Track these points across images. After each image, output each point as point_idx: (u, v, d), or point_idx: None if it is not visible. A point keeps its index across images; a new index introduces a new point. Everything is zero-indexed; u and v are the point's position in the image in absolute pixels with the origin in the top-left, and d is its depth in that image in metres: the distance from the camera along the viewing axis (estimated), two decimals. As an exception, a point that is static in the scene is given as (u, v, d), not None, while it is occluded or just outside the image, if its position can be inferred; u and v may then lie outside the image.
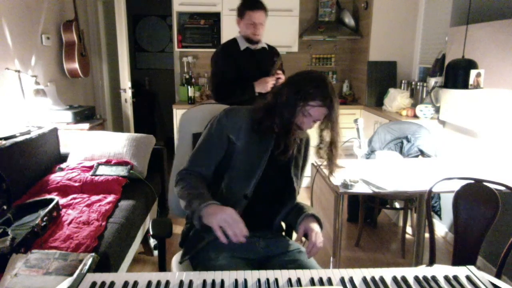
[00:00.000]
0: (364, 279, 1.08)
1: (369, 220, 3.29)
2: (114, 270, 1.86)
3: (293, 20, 4.04)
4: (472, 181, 1.72)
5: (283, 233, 1.61)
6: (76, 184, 2.37)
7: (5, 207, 1.96)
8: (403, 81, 3.86)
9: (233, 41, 2.61)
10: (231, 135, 1.42)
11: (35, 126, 2.70)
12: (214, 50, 4.21)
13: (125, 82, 3.87)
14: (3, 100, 2.66)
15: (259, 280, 1.07)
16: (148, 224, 2.58)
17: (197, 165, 1.44)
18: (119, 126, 4.58)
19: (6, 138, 2.31)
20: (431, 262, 1.74)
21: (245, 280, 1.07)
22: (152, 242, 2.74)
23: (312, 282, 1.07)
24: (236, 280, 1.07)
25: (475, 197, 1.69)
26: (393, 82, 3.99)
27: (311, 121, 1.39)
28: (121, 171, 2.53)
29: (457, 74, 2.28)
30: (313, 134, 1.52)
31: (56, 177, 2.42)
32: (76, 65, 3.43)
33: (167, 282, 1.05)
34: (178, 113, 3.94)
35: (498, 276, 1.53)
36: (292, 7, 4.01)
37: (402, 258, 2.79)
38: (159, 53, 6.00)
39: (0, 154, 2.14)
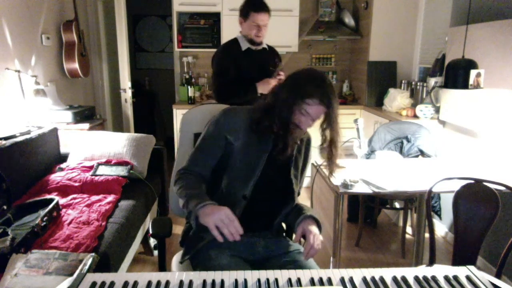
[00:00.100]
0: (364, 279, 1.08)
1: (369, 220, 3.29)
2: (114, 270, 1.86)
3: (293, 20, 4.04)
4: (472, 181, 1.72)
5: (284, 234, 1.61)
6: (76, 184, 2.37)
7: (5, 207, 1.96)
8: (403, 81, 3.86)
9: (234, 41, 2.60)
10: (228, 136, 1.42)
11: (35, 126, 2.70)
12: (214, 50, 4.19)
13: (125, 82, 3.87)
14: (3, 100, 2.66)
15: (259, 280, 1.07)
16: (148, 224, 2.58)
17: (195, 164, 1.44)
18: (119, 126, 4.58)
19: (6, 138, 2.31)
20: (431, 262, 1.74)
21: (245, 280, 1.07)
22: (152, 242, 2.74)
23: (312, 282, 1.07)
24: (236, 280, 1.07)
25: (475, 197, 1.69)
26: (393, 82, 3.99)
27: (310, 120, 1.38)
28: (121, 171, 2.53)
29: (457, 74, 2.28)
30: (315, 134, 1.51)
31: (56, 177, 2.42)
32: (76, 65, 3.43)
33: (167, 282, 1.05)
34: (178, 113, 3.94)
35: (498, 276, 1.53)
36: (292, 7, 4.01)
37: (402, 258, 2.79)
38: (159, 53, 6.00)
39: (0, 154, 2.14)
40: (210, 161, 1.44)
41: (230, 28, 3.95)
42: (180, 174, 1.44)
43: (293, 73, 1.42)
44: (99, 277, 1.06)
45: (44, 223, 1.85)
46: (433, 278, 1.10)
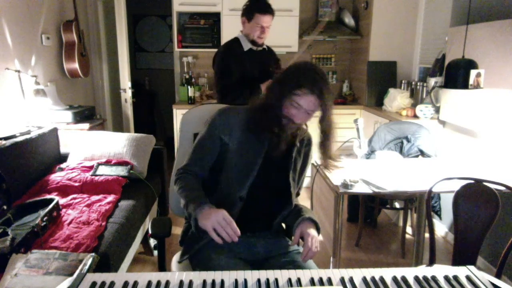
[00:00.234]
0: (364, 279, 1.08)
1: (369, 220, 3.29)
2: (114, 270, 1.86)
3: (293, 20, 4.04)
4: (472, 181, 1.72)
5: (283, 234, 1.60)
6: (76, 184, 2.37)
7: (5, 207, 1.96)
8: (403, 81, 3.86)
9: (236, 41, 2.59)
10: (223, 136, 1.41)
11: (35, 126, 2.70)
12: (214, 50, 4.19)
13: (125, 82, 3.87)
14: (3, 100, 2.66)
15: (259, 280, 1.07)
16: (148, 224, 2.58)
17: (193, 164, 1.44)
18: (119, 126, 4.58)
19: (6, 138, 2.31)
20: (431, 262, 1.74)
21: (245, 280, 1.07)
22: (152, 242, 2.74)
23: (312, 282, 1.07)
24: (236, 280, 1.07)
25: (475, 197, 1.69)
26: (393, 82, 3.99)
27: (303, 113, 1.33)
28: (121, 171, 2.53)
29: (457, 74, 2.28)
30: (315, 134, 1.49)
31: (56, 177, 2.42)
32: (76, 65, 3.43)
33: (167, 282, 1.05)
34: (178, 113, 3.94)
35: (498, 276, 1.53)
36: (292, 7, 4.01)
37: (402, 258, 2.79)
38: (159, 53, 6.00)
39: (0, 154, 2.14)
40: (207, 161, 1.44)
41: (230, 28, 3.94)
42: (179, 174, 1.44)
43: (288, 66, 1.41)
44: (99, 277, 1.06)
45: (44, 223, 1.85)
46: (433, 278, 1.10)
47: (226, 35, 3.98)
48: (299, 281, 1.07)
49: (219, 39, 4.08)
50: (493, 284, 1.07)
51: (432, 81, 3.25)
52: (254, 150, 1.41)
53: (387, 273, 1.11)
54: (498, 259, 1.59)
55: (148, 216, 2.60)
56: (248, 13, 2.48)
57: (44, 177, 2.44)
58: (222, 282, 1.06)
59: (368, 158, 2.88)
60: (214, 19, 4.10)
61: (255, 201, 1.42)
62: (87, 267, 1.58)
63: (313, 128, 1.48)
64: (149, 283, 1.05)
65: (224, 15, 3.98)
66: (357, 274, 1.10)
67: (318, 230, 1.40)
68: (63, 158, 2.76)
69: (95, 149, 2.72)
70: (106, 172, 2.51)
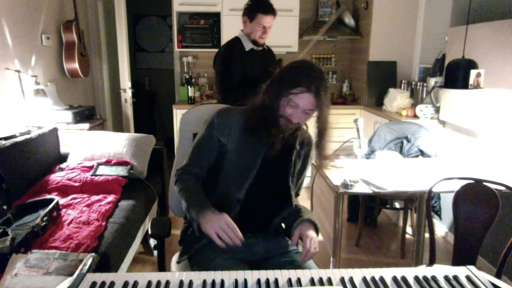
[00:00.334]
0: (364, 279, 1.08)
1: (369, 220, 3.29)
2: (114, 270, 1.86)
3: (293, 20, 4.04)
4: (472, 181, 1.72)
5: (283, 233, 1.60)
6: (76, 184, 2.37)
7: (5, 207, 1.96)
8: (403, 81, 3.86)
9: (237, 41, 2.57)
10: (221, 137, 1.40)
11: (35, 126, 2.70)
12: (214, 50, 4.18)
13: (125, 82, 3.88)
14: (3, 100, 2.66)
15: (259, 280, 1.07)
16: (148, 224, 2.58)
17: (192, 165, 1.44)
18: (119, 126, 4.58)
19: (6, 138, 2.31)
20: (431, 262, 1.73)
21: (245, 280, 1.07)
22: (152, 242, 2.74)
23: (312, 282, 1.07)
24: (236, 280, 1.07)
25: (475, 197, 1.69)
26: (393, 82, 3.99)
27: (300, 112, 1.31)
28: (121, 171, 2.53)
29: (457, 74, 2.28)
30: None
31: (56, 177, 2.42)
32: (76, 65, 3.43)
33: (167, 282, 1.05)
34: (178, 113, 3.94)
35: (498, 276, 1.53)
36: (292, 7, 4.01)
37: (402, 258, 2.79)
38: (159, 53, 6.01)
39: (0, 154, 2.14)
40: (206, 162, 1.44)
41: (230, 28, 3.94)
42: (179, 175, 1.44)
43: (284, 66, 1.40)
44: (99, 277, 1.06)
45: (44, 223, 1.85)
46: (433, 278, 1.10)
47: (226, 35, 3.98)
48: (299, 281, 1.07)
49: (219, 39, 4.08)
50: (493, 284, 1.07)
51: (432, 81, 3.25)
52: (252, 151, 1.40)
53: (387, 273, 1.11)
54: (498, 259, 1.59)
55: (148, 216, 2.60)
56: (250, 13, 2.47)
57: (44, 177, 2.44)
58: (222, 282, 1.06)
59: (368, 158, 2.88)
60: (214, 19, 4.10)
61: (253, 203, 1.41)
62: (87, 267, 1.58)
63: (312, 128, 1.47)
64: (149, 283, 1.05)
65: (224, 15, 3.99)
66: (357, 274, 1.10)
67: (317, 231, 1.39)
68: (63, 158, 2.76)
69: (95, 149, 2.72)
70: (106, 172, 2.51)
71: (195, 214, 1.29)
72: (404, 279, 1.09)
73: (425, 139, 2.88)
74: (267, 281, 1.07)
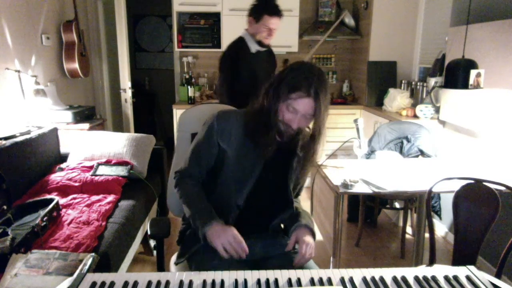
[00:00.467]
0: (364, 279, 1.08)
1: (369, 220, 3.29)
2: (114, 270, 1.86)
3: (293, 20, 4.04)
4: (472, 181, 1.72)
5: (282, 233, 1.58)
6: (76, 184, 2.37)
7: (5, 207, 1.96)
8: (403, 81, 3.86)
9: (242, 41, 2.52)
10: (221, 142, 1.37)
11: (35, 126, 2.70)
12: (214, 50, 4.19)
13: (125, 82, 3.88)
14: (3, 100, 2.66)
15: (259, 280, 1.07)
16: (148, 224, 2.58)
17: (191, 169, 1.43)
18: (119, 126, 4.58)
19: (6, 138, 2.31)
20: (431, 262, 1.74)
21: (245, 280, 1.07)
22: (152, 242, 2.74)
23: (312, 282, 1.07)
24: (236, 280, 1.07)
25: (475, 197, 1.69)
26: (393, 82, 3.99)
27: (300, 117, 1.27)
28: (121, 171, 2.53)
29: (457, 74, 2.28)
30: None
31: (56, 177, 2.42)
32: (76, 65, 3.43)
33: (167, 282, 1.05)
34: (178, 113, 3.94)
35: (498, 276, 1.53)
36: (292, 7, 4.01)
37: (402, 258, 2.79)
38: (159, 53, 6.01)
39: (0, 154, 2.14)
40: (205, 166, 1.42)
41: (230, 28, 3.95)
42: (178, 179, 1.43)
43: (283, 69, 1.35)
44: (99, 277, 1.06)
45: (44, 223, 1.85)
46: (433, 278, 1.10)
47: (226, 35, 3.98)
48: (299, 281, 1.07)
49: (219, 39, 4.08)
50: (493, 284, 1.07)
51: (432, 81, 3.25)
52: (252, 158, 1.36)
53: (387, 273, 1.11)
54: (498, 259, 1.59)
55: (148, 216, 2.60)
56: (256, 14, 2.43)
57: (44, 177, 2.44)
58: (222, 282, 1.06)
59: (368, 158, 2.88)
60: (214, 19, 4.10)
61: (253, 208, 1.40)
62: (87, 267, 1.58)
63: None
64: (149, 283, 1.05)
65: (224, 15, 3.99)
66: (357, 274, 1.10)
67: (313, 237, 1.38)
68: (63, 158, 2.76)
69: (95, 149, 2.72)
70: (106, 172, 2.51)
71: (201, 224, 1.28)
72: (404, 279, 1.09)
73: (425, 139, 2.88)
74: (267, 281, 1.07)
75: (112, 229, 1.99)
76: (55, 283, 1.50)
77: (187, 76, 4.33)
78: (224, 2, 3.96)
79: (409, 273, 1.12)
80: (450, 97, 2.96)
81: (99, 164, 2.57)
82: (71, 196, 2.27)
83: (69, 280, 1.05)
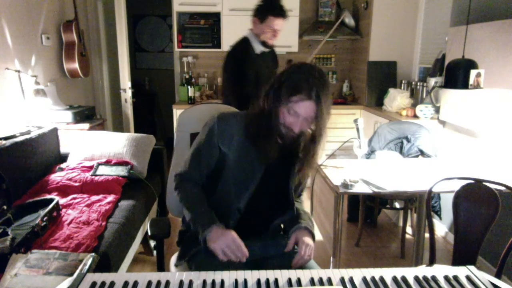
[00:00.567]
0: (364, 279, 1.08)
1: (369, 220, 3.29)
2: (114, 270, 1.86)
3: (293, 20, 4.04)
4: (472, 181, 1.72)
5: (282, 233, 1.57)
6: (76, 184, 2.37)
7: (5, 207, 1.96)
8: (403, 81, 3.86)
9: (246, 42, 2.50)
10: (221, 145, 1.35)
11: (35, 126, 2.70)
12: (214, 50, 4.19)
13: (125, 82, 3.88)
14: (3, 100, 2.66)
15: (259, 280, 1.07)
16: (148, 224, 2.58)
17: (191, 172, 1.40)
18: (119, 126, 4.58)
19: (6, 138, 2.31)
20: (431, 262, 1.74)
21: (245, 280, 1.07)
22: (152, 242, 2.74)
23: (312, 282, 1.07)
24: (236, 280, 1.07)
25: (475, 197, 1.69)
26: (393, 82, 3.99)
27: (302, 120, 1.24)
28: (121, 171, 2.53)
29: (457, 74, 2.28)
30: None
31: (56, 177, 2.42)
32: (76, 65, 3.43)
33: (167, 282, 1.05)
34: (178, 113, 3.94)
35: (498, 276, 1.53)
36: (292, 7, 4.00)
37: (402, 258, 2.79)
38: (159, 53, 6.01)
39: (0, 154, 2.14)
40: (205, 169, 1.40)
41: (230, 28, 3.95)
42: (178, 182, 1.41)
43: (283, 70, 1.31)
44: (99, 277, 1.06)
45: (44, 223, 1.85)
46: (433, 278, 1.10)
47: (226, 35, 3.98)
48: (299, 281, 1.07)
49: (219, 39, 4.08)
50: (493, 284, 1.07)
51: (432, 81, 3.25)
52: (253, 161, 1.34)
53: (387, 273, 1.11)
54: (498, 259, 1.59)
55: (148, 216, 2.60)
56: (261, 14, 2.41)
57: (44, 177, 2.44)
58: (222, 282, 1.06)
59: (368, 158, 2.88)
60: (214, 19, 4.10)
61: (253, 211, 1.39)
62: (87, 267, 1.59)
63: None
64: (149, 283, 1.05)
65: (224, 15, 3.99)
66: (357, 274, 1.10)
67: (313, 239, 1.38)
68: (63, 158, 2.76)
69: (95, 149, 2.72)
70: (106, 172, 2.51)
71: (201, 228, 1.27)
72: (404, 279, 1.09)
73: (425, 139, 2.88)
74: (267, 281, 1.07)
75: (112, 229, 1.99)
76: (55, 283, 1.50)
77: (187, 76, 4.33)
78: (224, 2, 3.96)
79: (409, 273, 1.12)
80: (450, 97, 2.96)
81: (99, 164, 2.57)
82: (71, 196, 2.27)
83: (69, 280, 1.05)
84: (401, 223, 3.09)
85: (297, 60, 4.44)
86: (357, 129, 2.71)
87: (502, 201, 1.64)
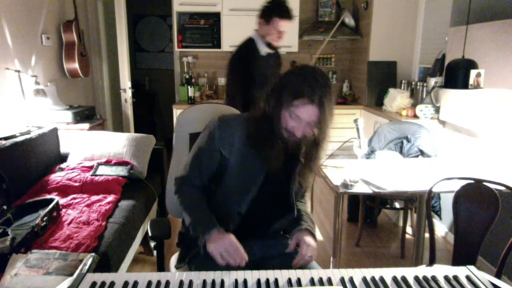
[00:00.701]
0: (364, 279, 1.08)
1: (369, 220, 3.29)
2: (114, 270, 1.86)
3: (293, 20, 4.04)
4: (472, 181, 1.72)
5: (282, 232, 1.56)
6: (76, 184, 2.37)
7: (5, 207, 1.96)
8: (403, 81, 3.86)
9: (252, 44, 2.48)
10: (223, 150, 1.32)
11: (35, 126, 2.70)
12: (214, 50, 4.18)
13: (125, 82, 3.88)
14: (3, 100, 2.66)
15: (259, 280, 1.07)
16: (148, 224, 2.58)
17: (192, 176, 1.38)
18: (119, 126, 4.58)
19: (6, 138, 2.31)
20: (431, 262, 1.74)
21: (245, 280, 1.07)
22: (152, 242, 2.74)
23: (312, 282, 1.07)
24: (236, 280, 1.07)
25: (475, 197, 1.69)
26: (393, 82, 3.99)
27: (305, 125, 1.21)
28: (121, 171, 2.53)
29: (457, 74, 2.28)
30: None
31: (56, 177, 2.42)
32: (76, 65, 3.43)
33: (167, 282, 1.05)
34: (178, 113, 3.93)
35: (498, 276, 1.53)
36: (292, 7, 3.96)
37: (402, 258, 2.79)
38: (159, 53, 6.00)
39: (0, 154, 2.14)
40: (206, 173, 1.38)
41: (230, 28, 3.95)
42: (178, 186, 1.40)
43: (285, 71, 1.30)
44: (99, 277, 1.06)
45: (44, 223, 1.85)
46: (433, 278, 1.10)
47: (226, 35, 3.98)
48: (299, 281, 1.07)
49: (219, 39, 4.08)
50: (493, 284, 1.08)
51: (432, 81, 3.25)
52: (255, 166, 1.32)
53: (387, 273, 1.11)
54: (498, 259, 1.59)
55: (148, 216, 2.60)
56: (267, 15, 2.40)
57: (44, 177, 2.44)
58: (222, 282, 1.06)
59: (368, 158, 2.88)
60: (214, 19, 4.10)
61: (254, 214, 1.38)
62: (87, 267, 1.58)
63: None
64: (149, 283, 1.05)
65: (224, 15, 3.98)
66: (357, 274, 1.10)
67: (314, 240, 1.37)
68: (63, 158, 2.76)
69: (95, 149, 2.72)
70: (106, 172, 2.51)
71: (201, 233, 1.26)
72: (404, 279, 1.09)
73: (425, 139, 2.88)
74: (267, 281, 1.07)
75: (112, 229, 1.99)
76: (55, 283, 1.50)
77: (187, 76, 4.33)
78: (224, 2, 3.96)
79: (409, 273, 1.12)
80: (450, 97, 2.96)
81: (99, 164, 2.57)
82: (71, 196, 2.27)
83: (69, 280, 1.05)
84: (401, 223, 3.09)
85: (300, 61, 4.45)
86: (357, 129, 2.71)
87: (502, 201, 1.64)
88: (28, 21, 2.96)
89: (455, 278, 1.10)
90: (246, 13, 3.90)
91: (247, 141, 1.30)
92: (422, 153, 2.81)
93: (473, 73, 2.24)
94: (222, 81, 4.54)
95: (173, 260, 1.56)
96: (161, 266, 1.50)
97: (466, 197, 1.70)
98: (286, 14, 2.39)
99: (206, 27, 4.13)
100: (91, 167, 2.55)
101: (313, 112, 1.19)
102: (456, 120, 2.91)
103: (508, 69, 2.36)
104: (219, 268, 1.26)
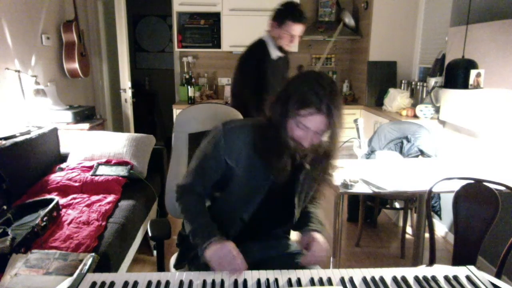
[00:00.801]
0: (364, 279, 1.08)
1: (369, 220, 3.29)
2: (114, 270, 1.86)
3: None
4: (472, 181, 1.72)
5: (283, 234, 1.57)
6: (76, 184, 2.37)
7: (5, 207, 1.96)
8: (403, 81, 3.86)
9: (264, 46, 2.42)
10: (228, 160, 1.28)
11: (35, 126, 2.70)
12: (214, 50, 4.18)
13: (125, 82, 3.88)
14: (3, 100, 2.66)
15: (259, 280, 1.07)
16: (148, 224, 2.58)
17: (195, 184, 1.35)
18: (119, 126, 4.58)
19: (6, 138, 2.31)
20: (431, 262, 1.74)
21: (245, 280, 1.07)
22: (152, 242, 2.74)
23: (312, 282, 1.07)
24: (236, 280, 1.07)
25: (475, 197, 1.69)
26: (393, 82, 3.99)
27: (312, 135, 1.17)
28: (121, 171, 2.53)
29: (457, 74, 2.28)
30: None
31: (56, 177, 2.42)
32: (76, 65, 3.43)
33: (167, 282, 1.05)
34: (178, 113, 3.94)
35: (498, 276, 1.53)
36: (292, 7, 4.00)
37: (402, 258, 2.79)
38: (159, 53, 6.00)
39: (0, 154, 2.14)
40: (210, 181, 1.35)
41: (230, 28, 3.95)
42: (180, 194, 1.36)
43: (290, 78, 1.25)
44: (99, 277, 1.06)
45: (44, 223, 1.85)
46: (433, 278, 1.10)
47: (226, 35, 3.98)
48: (299, 281, 1.07)
49: (219, 39, 4.08)
50: (493, 284, 1.08)
51: (432, 81, 3.25)
52: (261, 176, 1.28)
53: (387, 273, 1.11)
54: (498, 259, 1.59)
55: (148, 216, 2.60)
56: (280, 18, 2.35)
57: (44, 177, 2.44)
58: (222, 282, 1.06)
59: (368, 158, 2.88)
60: (214, 19, 4.10)
61: (256, 221, 1.36)
62: (87, 267, 1.59)
63: None
64: (149, 283, 1.05)
65: (224, 15, 3.98)
66: (357, 274, 1.10)
67: None
68: (63, 158, 2.76)
69: (95, 149, 2.72)
70: (106, 172, 2.51)
71: (201, 241, 1.23)
72: (404, 279, 1.09)
73: (425, 139, 2.88)
74: (267, 281, 1.07)
75: (112, 229, 1.99)
76: (55, 283, 1.50)
77: (187, 76, 4.33)
78: (224, 2, 3.96)
79: (409, 273, 1.12)
80: (450, 97, 2.96)
81: (99, 164, 2.57)
82: (71, 196, 2.27)
83: (69, 280, 1.05)
84: (401, 223, 3.09)
85: (300, 61, 4.44)
86: (357, 129, 2.71)
87: (502, 201, 1.64)
88: (28, 21, 2.96)
89: (455, 278, 1.10)
90: (246, 13, 3.90)
91: (254, 151, 1.26)
92: (422, 153, 2.81)
93: (473, 73, 2.24)
94: (222, 81, 4.54)
95: (173, 260, 1.56)
96: (161, 266, 1.50)
97: (466, 197, 1.70)
98: (299, 18, 2.33)
99: (206, 27, 4.13)
100: (91, 167, 2.55)
101: (320, 121, 1.14)
102: (456, 120, 2.91)
103: (508, 69, 2.36)
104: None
